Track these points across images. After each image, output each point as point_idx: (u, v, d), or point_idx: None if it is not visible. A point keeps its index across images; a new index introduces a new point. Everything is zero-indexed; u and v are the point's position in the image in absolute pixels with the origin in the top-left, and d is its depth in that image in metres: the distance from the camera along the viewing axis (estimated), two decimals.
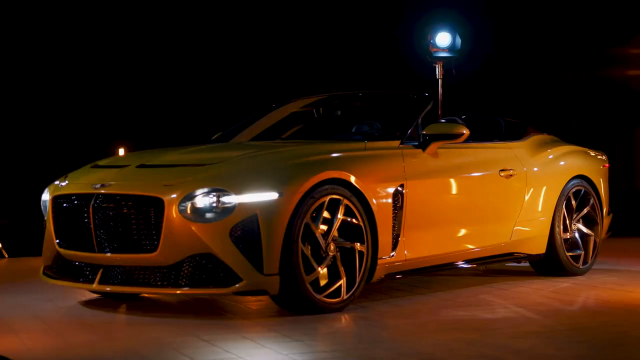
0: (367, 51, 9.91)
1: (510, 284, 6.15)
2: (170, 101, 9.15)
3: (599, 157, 7.05)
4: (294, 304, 4.78)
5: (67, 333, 4.37)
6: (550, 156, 6.54)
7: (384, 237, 5.16)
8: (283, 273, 4.66)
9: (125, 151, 7.59)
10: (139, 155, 5.61)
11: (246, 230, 4.61)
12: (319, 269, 4.81)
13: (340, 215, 4.92)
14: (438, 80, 9.28)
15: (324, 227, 4.90)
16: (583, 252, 6.57)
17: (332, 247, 4.89)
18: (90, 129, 8.81)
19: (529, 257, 6.32)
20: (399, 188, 5.28)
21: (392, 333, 4.33)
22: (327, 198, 4.87)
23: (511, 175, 6.12)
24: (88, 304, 5.35)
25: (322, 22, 9.83)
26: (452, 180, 5.72)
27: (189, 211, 4.63)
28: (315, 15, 9.80)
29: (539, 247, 6.33)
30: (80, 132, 8.80)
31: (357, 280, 5.00)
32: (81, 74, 8.81)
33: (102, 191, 4.88)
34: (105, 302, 5.41)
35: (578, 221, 6.63)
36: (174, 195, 4.67)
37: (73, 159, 8.59)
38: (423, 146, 5.59)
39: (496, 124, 6.77)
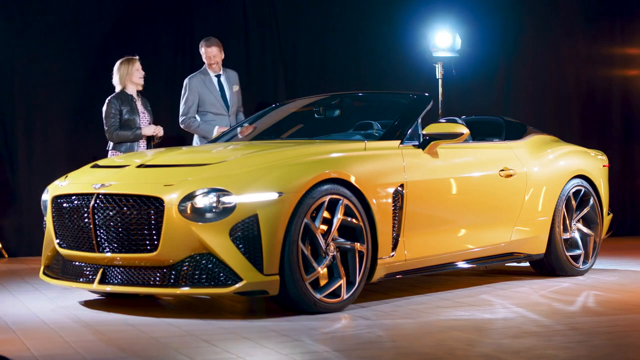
0: (367, 51, 9.90)
1: (510, 284, 6.15)
2: (170, 100, 9.14)
3: (599, 157, 7.05)
4: (294, 304, 4.78)
5: (67, 333, 4.37)
6: (550, 156, 6.54)
7: (384, 237, 5.16)
8: (283, 273, 4.67)
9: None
10: (138, 155, 5.61)
11: (246, 230, 4.61)
12: (319, 269, 4.82)
13: (340, 215, 4.92)
14: (438, 80, 9.28)
15: (324, 227, 4.91)
16: (583, 252, 6.58)
17: (332, 247, 4.89)
18: (90, 128, 8.80)
19: (529, 257, 6.32)
20: (399, 188, 5.28)
21: (392, 333, 4.33)
22: (327, 198, 4.87)
23: (511, 175, 6.12)
24: (88, 304, 5.35)
25: (322, 22, 9.82)
26: (452, 180, 5.72)
27: (189, 211, 4.63)
28: (315, 15, 9.79)
29: (539, 247, 6.33)
30: (81, 131, 8.79)
31: (357, 280, 5.00)
32: (81, 73, 8.80)
33: (102, 191, 4.88)
34: (105, 302, 5.41)
35: (578, 221, 6.64)
36: (174, 195, 4.68)
37: (73, 158, 8.61)
38: (423, 146, 5.59)
39: (496, 124, 6.77)
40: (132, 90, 7.28)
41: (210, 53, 7.78)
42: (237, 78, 7.96)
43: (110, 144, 7.25)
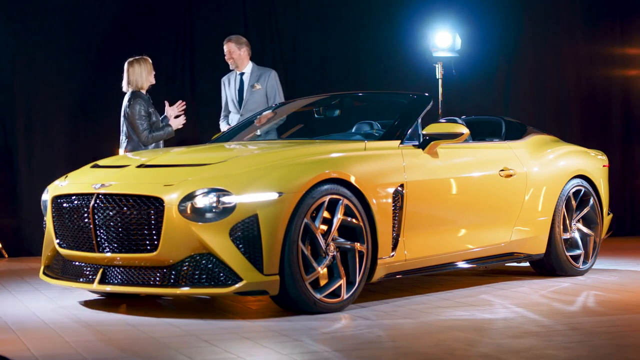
0: (367, 51, 9.90)
1: (510, 284, 6.15)
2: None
3: (599, 157, 7.05)
4: (294, 304, 4.78)
5: (67, 333, 4.37)
6: (550, 156, 6.54)
7: (384, 237, 5.16)
8: (283, 273, 4.66)
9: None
10: (138, 155, 5.61)
11: (246, 230, 4.61)
12: (319, 269, 4.81)
13: (340, 215, 4.92)
14: (438, 80, 9.28)
15: (324, 227, 4.91)
16: (583, 252, 6.58)
17: (332, 247, 4.89)
18: (90, 128, 8.81)
19: (529, 257, 6.32)
20: (399, 188, 5.28)
21: (392, 333, 4.33)
22: (327, 198, 4.87)
23: (511, 175, 6.12)
24: (88, 304, 5.35)
25: (322, 22, 9.82)
26: (452, 180, 5.72)
27: (189, 211, 4.63)
28: (315, 15, 9.79)
29: (539, 247, 6.33)
30: (81, 131, 8.80)
31: (357, 280, 5.00)
32: (81, 73, 8.81)
33: (102, 191, 4.88)
34: (105, 302, 5.41)
35: (578, 221, 6.64)
36: (174, 195, 4.68)
37: (73, 158, 8.61)
38: (423, 146, 5.59)
39: (496, 124, 6.77)
40: (145, 90, 6.98)
41: (225, 50, 7.78)
42: (269, 76, 7.69)
43: (129, 145, 6.91)
